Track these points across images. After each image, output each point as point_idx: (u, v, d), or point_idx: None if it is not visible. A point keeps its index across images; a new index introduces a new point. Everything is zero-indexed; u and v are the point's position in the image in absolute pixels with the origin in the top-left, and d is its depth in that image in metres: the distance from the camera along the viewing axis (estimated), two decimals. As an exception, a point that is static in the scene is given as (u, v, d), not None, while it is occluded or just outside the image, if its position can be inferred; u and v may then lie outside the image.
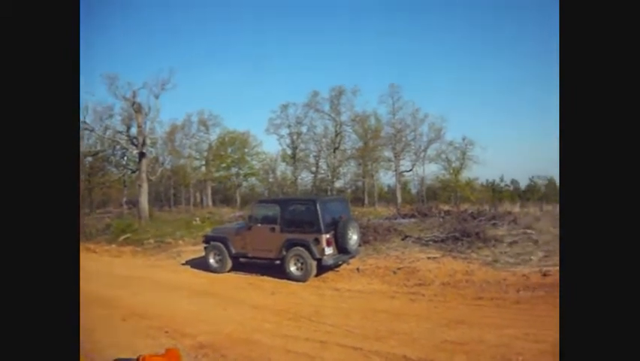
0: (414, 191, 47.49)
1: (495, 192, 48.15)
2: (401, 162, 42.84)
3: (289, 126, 44.74)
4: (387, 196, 45.91)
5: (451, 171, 44.43)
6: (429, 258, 10.34)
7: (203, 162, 47.14)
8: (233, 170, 47.82)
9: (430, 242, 11.76)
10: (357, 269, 9.98)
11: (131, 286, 9.70)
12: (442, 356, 5.18)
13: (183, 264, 12.27)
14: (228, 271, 10.61)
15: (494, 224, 13.41)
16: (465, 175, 44.87)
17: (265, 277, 9.92)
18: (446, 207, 20.04)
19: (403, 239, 12.46)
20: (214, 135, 47.26)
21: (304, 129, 44.66)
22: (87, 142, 39.41)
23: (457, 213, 15.85)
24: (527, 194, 47.23)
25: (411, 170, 43.78)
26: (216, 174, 47.33)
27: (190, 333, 6.45)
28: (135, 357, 3.03)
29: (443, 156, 43.88)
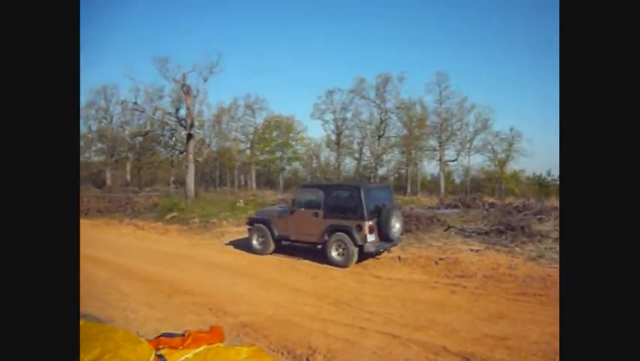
0: (457, 181, 46.81)
1: (541, 186, 46.67)
2: (446, 151, 42.42)
3: (334, 112, 44.99)
4: (430, 185, 45.45)
5: (497, 163, 43.43)
6: (471, 250, 10.18)
7: (249, 145, 47.96)
8: (278, 154, 48.47)
9: (474, 234, 11.58)
10: (399, 258, 9.93)
11: (176, 264, 10.05)
12: (482, 350, 5.10)
13: (227, 244, 12.53)
14: (270, 254, 10.76)
15: (540, 219, 13.05)
16: (511, 167, 43.82)
17: (306, 261, 10.01)
18: (490, 200, 19.68)
19: (445, 230, 12.34)
20: (260, 119, 48.00)
21: (349, 115, 44.84)
22: (137, 122, 40.94)
23: (501, 206, 15.54)
24: (576, 190, 45.49)
25: (455, 160, 43.33)
26: (261, 158, 48.09)
27: (232, 312, 6.62)
28: (181, 332, 3.20)
29: (489, 146, 43.09)
